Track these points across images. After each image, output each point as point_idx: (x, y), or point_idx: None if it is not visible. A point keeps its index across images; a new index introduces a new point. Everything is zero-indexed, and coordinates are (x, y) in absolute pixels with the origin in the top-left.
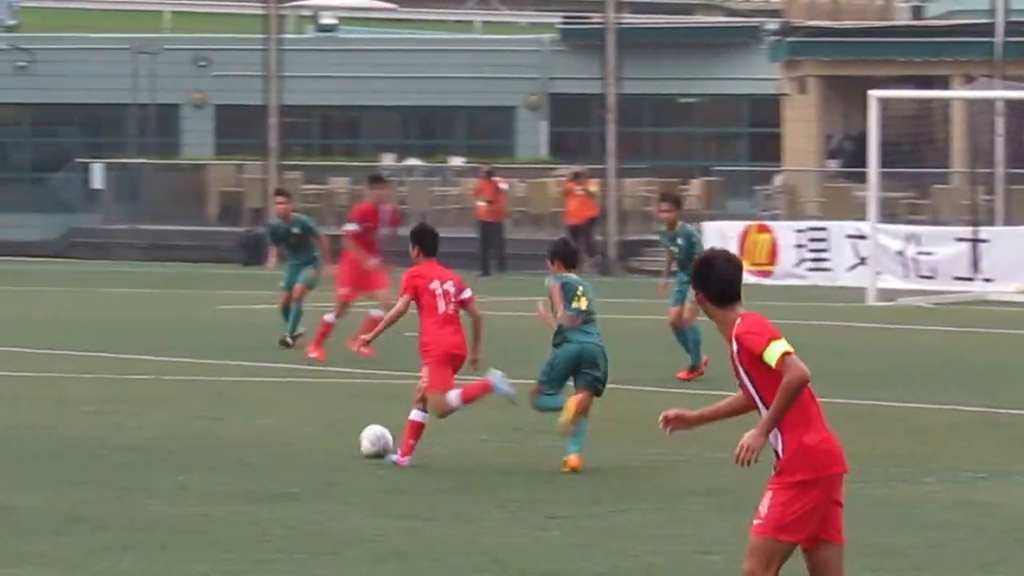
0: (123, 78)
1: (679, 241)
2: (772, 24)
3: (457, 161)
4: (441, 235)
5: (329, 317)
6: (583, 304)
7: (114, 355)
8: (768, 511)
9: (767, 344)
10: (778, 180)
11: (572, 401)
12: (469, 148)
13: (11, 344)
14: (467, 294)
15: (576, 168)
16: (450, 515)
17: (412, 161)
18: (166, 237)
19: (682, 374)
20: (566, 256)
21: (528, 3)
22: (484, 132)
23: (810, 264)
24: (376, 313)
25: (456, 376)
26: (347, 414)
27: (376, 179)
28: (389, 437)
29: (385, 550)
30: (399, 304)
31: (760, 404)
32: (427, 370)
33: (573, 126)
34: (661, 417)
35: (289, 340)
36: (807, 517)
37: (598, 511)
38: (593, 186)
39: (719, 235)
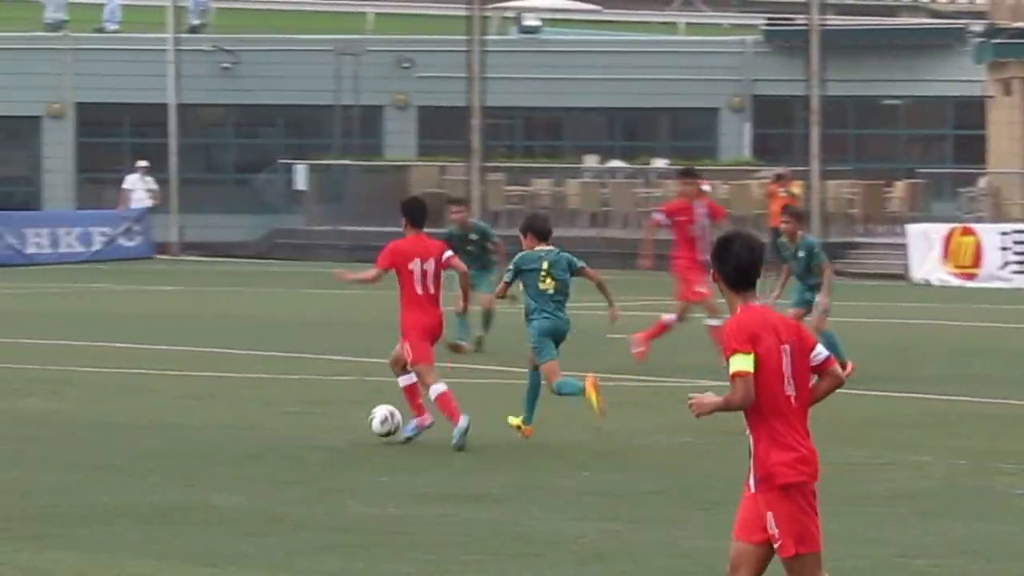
0: (327, 79)
1: (800, 254)
2: (977, 26)
3: (660, 163)
4: (643, 238)
5: (668, 318)
6: (550, 287)
7: (317, 356)
8: (780, 529)
9: (731, 354)
10: (982, 182)
11: (590, 387)
12: (672, 150)
13: (214, 345)
14: (447, 255)
15: (779, 170)
16: (653, 518)
17: (615, 163)
18: (368, 238)
19: None
20: (537, 229)
21: (732, 5)
22: (687, 134)
23: (1015, 267)
24: (667, 317)
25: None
26: (551, 414)
27: (686, 173)
28: (398, 416)
29: (587, 552)
30: (372, 272)
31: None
32: (409, 346)
33: (776, 128)
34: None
35: (463, 343)
36: (810, 522)
37: None
38: (796, 188)
39: (923, 237)
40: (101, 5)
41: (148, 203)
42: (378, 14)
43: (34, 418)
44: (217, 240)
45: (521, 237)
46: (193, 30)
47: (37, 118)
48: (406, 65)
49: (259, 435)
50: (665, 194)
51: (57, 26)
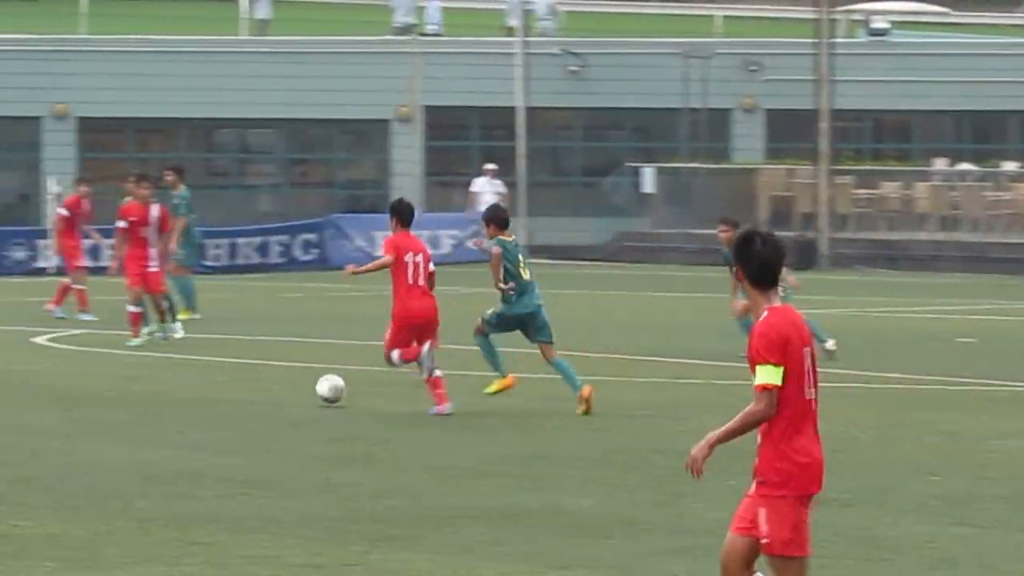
0: (674, 82)
1: None
2: None
3: (1010, 166)
4: (993, 241)
5: None
6: (526, 274)
7: (665, 359)
8: (769, 528)
9: (760, 363)
10: None
11: (587, 393)
12: (1022, 153)
13: (563, 347)
14: (431, 268)
15: None
16: (1001, 523)
17: (964, 166)
18: (716, 242)
19: None
20: (498, 220)
21: None
22: None
23: None
24: None
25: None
26: (896, 420)
27: None
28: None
29: (937, 557)
30: (385, 259)
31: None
32: (390, 330)
33: None
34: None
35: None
36: (803, 528)
37: None
38: None
39: None
40: (449, 9)
41: None
42: (726, 17)
43: (384, 419)
44: (565, 243)
45: (484, 226)
46: (510, 32)
47: (386, 121)
48: (753, 68)
49: (608, 438)
50: (1016, 197)
51: (406, 30)
